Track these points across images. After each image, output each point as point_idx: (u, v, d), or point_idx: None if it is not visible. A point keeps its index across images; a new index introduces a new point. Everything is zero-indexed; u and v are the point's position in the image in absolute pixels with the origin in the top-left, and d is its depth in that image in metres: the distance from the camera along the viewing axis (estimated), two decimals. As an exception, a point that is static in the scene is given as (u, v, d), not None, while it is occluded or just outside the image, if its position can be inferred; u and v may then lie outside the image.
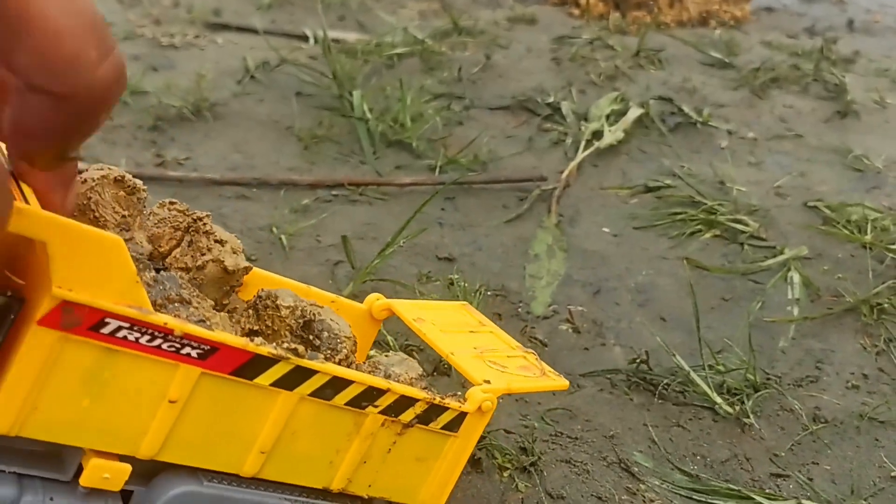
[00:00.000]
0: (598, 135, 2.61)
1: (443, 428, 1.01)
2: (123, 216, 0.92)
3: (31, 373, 0.73)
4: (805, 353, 1.78)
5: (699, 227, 2.21)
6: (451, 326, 1.19)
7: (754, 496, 1.37)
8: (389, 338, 1.62)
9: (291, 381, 0.87)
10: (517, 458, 1.40)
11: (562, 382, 1.17)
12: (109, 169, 0.94)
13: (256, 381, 0.84)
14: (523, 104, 2.79)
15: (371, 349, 1.53)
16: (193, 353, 0.79)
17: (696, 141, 2.69)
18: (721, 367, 1.65)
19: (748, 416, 1.56)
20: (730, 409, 1.56)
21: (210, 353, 0.80)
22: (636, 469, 1.42)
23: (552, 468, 1.40)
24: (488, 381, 1.06)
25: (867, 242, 2.13)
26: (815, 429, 1.56)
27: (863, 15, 4.42)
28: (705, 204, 2.27)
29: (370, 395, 0.93)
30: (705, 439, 1.51)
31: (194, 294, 0.90)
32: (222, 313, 0.95)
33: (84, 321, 0.73)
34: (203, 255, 0.98)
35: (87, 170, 0.93)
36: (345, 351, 0.98)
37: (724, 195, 2.36)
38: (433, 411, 0.99)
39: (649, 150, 2.60)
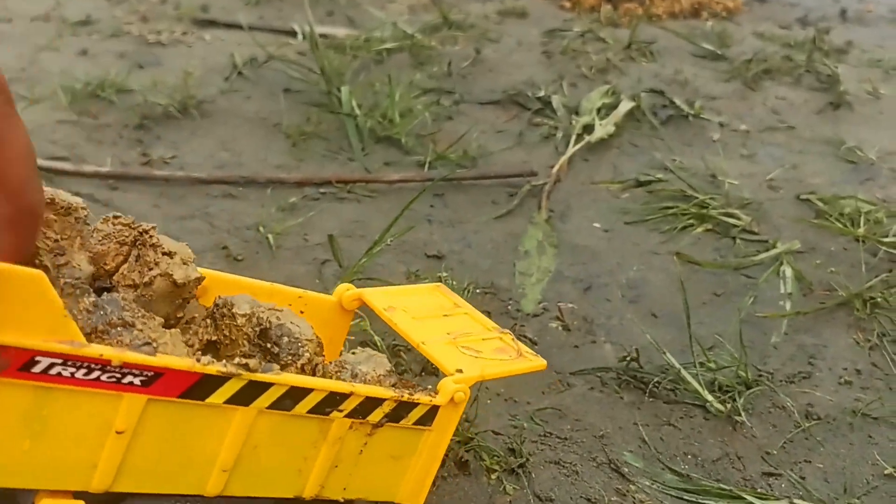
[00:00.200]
0: (588, 129, 2.59)
1: (415, 423, 0.99)
2: (57, 240, 0.89)
3: None
4: (797, 349, 1.76)
5: (691, 221, 2.19)
6: (424, 312, 1.17)
7: (746, 496, 1.36)
8: (377, 338, 1.60)
9: (246, 396, 0.85)
10: (505, 459, 1.38)
11: (539, 362, 1.14)
12: None
13: (209, 400, 0.82)
14: (513, 98, 2.77)
15: (355, 346, 1.51)
16: (136, 381, 0.77)
17: (687, 134, 2.67)
18: (712, 365, 1.63)
19: (740, 414, 1.54)
20: (721, 407, 1.55)
21: (154, 379, 0.78)
22: (626, 469, 1.40)
23: (541, 470, 1.38)
24: (461, 371, 1.03)
25: (860, 235, 2.12)
26: (807, 426, 1.54)
27: (855, 5, 4.40)
28: (697, 198, 2.25)
29: (333, 401, 0.91)
30: (696, 438, 1.50)
31: (139, 315, 0.87)
32: (174, 330, 0.92)
33: (13, 362, 0.71)
34: (150, 269, 0.95)
35: None
36: (307, 355, 0.96)
37: (716, 188, 2.34)
38: (403, 408, 0.97)
39: (640, 144, 2.58)
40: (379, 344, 1.60)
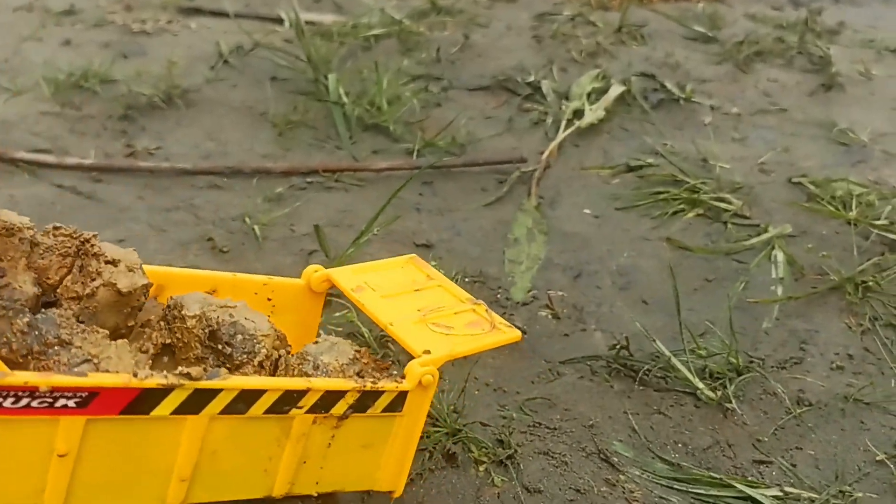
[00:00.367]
0: (579, 114, 2.56)
1: (384, 411, 0.97)
2: None
3: None
4: (789, 334, 1.75)
5: (682, 206, 2.17)
6: (395, 288, 1.14)
7: (736, 484, 1.35)
8: (364, 329, 1.59)
9: (194, 404, 0.82)
10: (493, 451, 1.36)
11: (513, 334, 1.12)
12: None
13: (154, 413, 0.80)
14: (503, 84, 2.74)
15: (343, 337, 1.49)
16: (71, 403, 0.75)
17: (678, 117, 2.65)
18: (703, 352, 1.62)
19: (730, 401, 1.53)
20: (712, 395, 1.53)
21: (90, 399, 0.76)
22: (616, 459, 1.39)
23: (529, 461, 1.37)
24: (428, 352, 1.01)
25: (852, 219, 2.10)
26: (798, 412, 1.53)
27: (848, -16, 4.36)
28: (688, 182, 2.23)
29: (290, 399, 0.88)
30: (687, 426, 1.48)
31: (77, 331, 0.85)
32: (120, 341, 0.90)
33: None
34: (93, 280, 0.92)
35: None
36: (264, 351, 0.93)
37: (708, 173, 2.32)
38: (368, 398, 0.94)
39: (631, 129, 2.55)
40: (367, 336, 1.59)
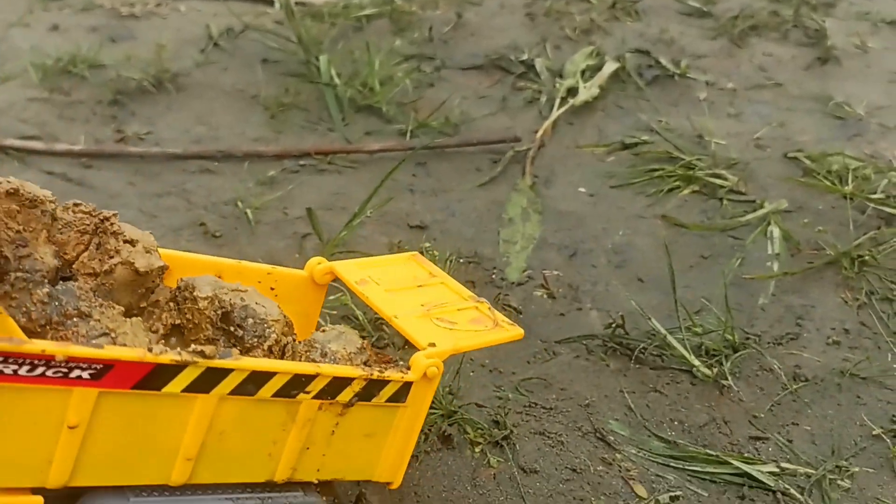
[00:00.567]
0: (573, 92, 2.54)
1: (388, 401, 0.97)
2: (18, 231, 0.86)
3: None
4: (785, 310, 1.74)
5: (677, 183, 2.16)
6: (398, 283, 1.14)
7: (732, 461, 1.34)
8: (358, 312, 1.58)
9: (205, 383, 0.82)
10: (489, 431, 1.36)
11: (516, 332, 1.12)
12: (0, 182, 0.88)
13: (165, 390, 0.80)
14: (496, 63, 2.71)
15: (337, 321, 1.49)
16: (85, 375, 0.74)
17: (673, 94, 2.63)
18: (699, 329, 1.61)
19: (726, 378, 1.52)
20: (708, 372, 1.53)
21: (104, 372, 0.75)
22: (612, 438, 1.39)
23: (525, 441, 1.36)
24: (433, 345, 1.01)
25: (848, 193, 2.09)
26: (794, 388, 1.53)
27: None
28: (683, 159, 2.22)
29: (299, 383, 0.88)
30: (683, 404, 1.48)
31: (96, 304, 0.85)
32: (135, 318, 0.90)
33: None
34: (111, 257, 0.92)
35: None
36: (274, 336, 0.93)
37: (703, 149, 2.30)
38: (373, 386, 0.94)
39: (626, 106, 2.53)
40: (360, 318, 1.58)
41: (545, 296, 1.75)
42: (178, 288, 0.98)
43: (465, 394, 1.45)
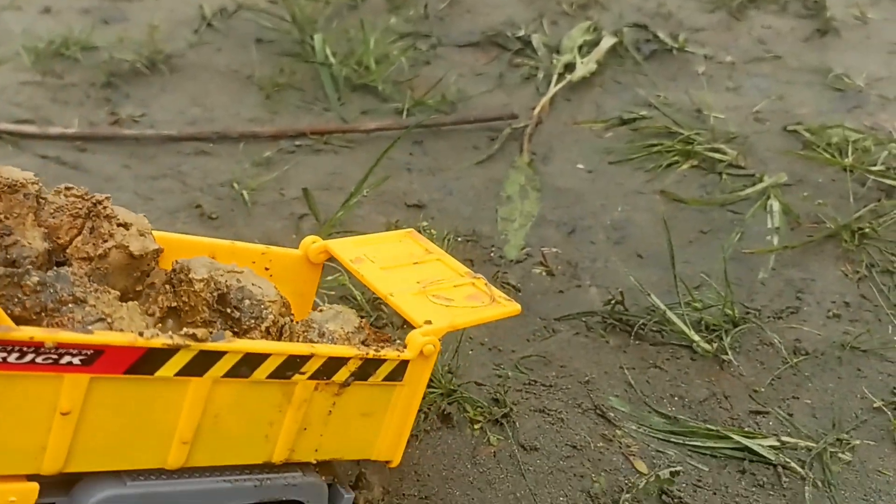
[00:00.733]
0: (570, 67, 2.52)
1: (385, 379, 0.96)
2: (1, 220, 0.85)
3: None
4: (785, 284, 1.73)
5: (676, 158, 2.14)
6: (394, 261, 1.13)
7: (733, 435, 1.34)
8: (356, 292, 1.57)
9: (198, 366, 0.81)
10: (489, 410, 1.36)
11: (513, 307, 1.11)
12: None
13: (158, 374, 0.79)
14: (493, 39, 2.69)
15: (334, 300, 1.48)
16: (76, 361, 0.74)
17: (672, 68, 2.60)
18: (698, 304, 1.60)
19: (726, 353, 1.52)
20: (708, 347, 1.53)
21: (95, 357, 0.75)
22: (612, 414, 1.39)
23: (525, 419, 1.36)
24: (429, 322, 1.00)
25: (848, 165, 2.07)
26: (795, 362, 1.52)
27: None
28: (682, 134, 2.20)
29: (293, 364, 0.87)
30: (683, 379, 1.48)
31: (91, 290, 0.84)
32: (130, 303, 0.89)
33: None
34: (105, 241, 0.91)
35: None
36: (271, 317, 0.92)
37: (702, 123, 2.29)
38: (370, 365, 0.94)
39: (624, 81, 2.51)
40: (359, 298, 1.57)
41: (544, 273, 1.74)
42: (174, 270, 0.97)
43: (465, 372, 1.44)
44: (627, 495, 1.23)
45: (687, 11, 3.00)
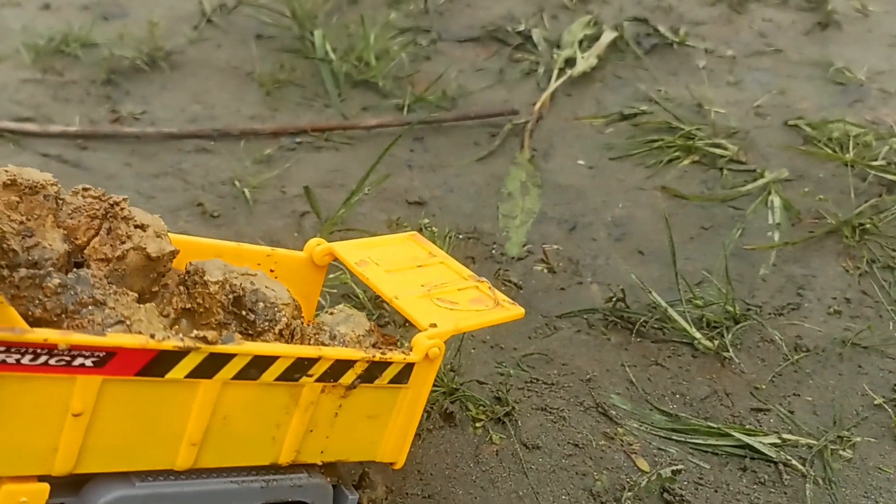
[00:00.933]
0: (570, 62, 2.51)
1: (391, 382, 0.97)
2: (22, 222, 0.86)
3: None
4: (786, 280, 1.74)
5: (677, 153, 2.14)
6: (398, 264, 1.14)
7: (734, 433, 1.35)
8: (359, 291, 1.58)
9: (208, 368, 0.82)
10: (491, 408, 1.36)
11: (517, 311, 1.12)
12: None
13: (169, 376, 0.80)
14: (493, 34, 2.68)
15: (338, 299, 1.48)
16: (88, 363, 0.74)
17: (672, 62, 2.60)
18: (699, 301, 1.61)
19: (728, 350, 1.52)
20: (709, 344, 1.53)
21: (107, 359, 0.75)
22: (614, 412, 1.39)
23: (527, 417, 1.37)
24: (435, 325, 1.01)
25: (849, 160, 2.07)
26: (796, 359, 1.53)
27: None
28: (683, 129, 2.20)
29: (301, 367, 0.88)
30: (684, 377, 1.48)
31: (111, 292, 0.85)
32: (149, 305, 0.90)
33: None
34: (123, 243, 0.92)
35: None
36: (284, 319, 0.93)
37: (703, 118, 2.29)
38: (376, 368, 0.95)
39: (624, 76, 2.51)
40: (361, 297, 1.58)
41: (545, 270, 1.74)
42: (188, 272, 0.98)
43: (467, 371, 1.45)
44: (629, 493, 1.24)
45: (687, 5, 2.99)
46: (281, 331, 0.99)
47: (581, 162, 2.13)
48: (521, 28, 2.70)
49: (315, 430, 0.94)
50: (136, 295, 0.92)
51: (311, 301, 1.21)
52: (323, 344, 1.00)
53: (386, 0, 2.87)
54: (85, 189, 0.99)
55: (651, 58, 2.61)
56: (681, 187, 2.03)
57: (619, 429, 1.36)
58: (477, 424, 1.34)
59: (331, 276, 1.62)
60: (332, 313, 1.08)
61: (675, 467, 1.29)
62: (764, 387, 1.47)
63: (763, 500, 1.26)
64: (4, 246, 0.84)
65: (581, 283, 1.71)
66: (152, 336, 0.78)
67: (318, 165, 2.03)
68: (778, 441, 1.34)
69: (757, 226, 1.90)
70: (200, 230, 1.76)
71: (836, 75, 2.54)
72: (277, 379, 0.87)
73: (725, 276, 1.64)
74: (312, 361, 0.89)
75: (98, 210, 0.96)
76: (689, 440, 1.35)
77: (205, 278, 0.99)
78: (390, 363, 0.95)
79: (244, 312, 0.98)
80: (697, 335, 1.54)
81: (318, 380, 0.90)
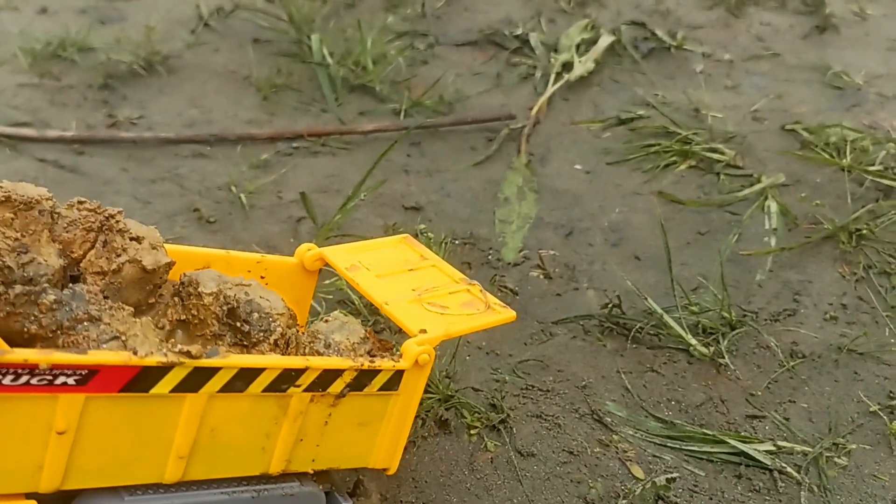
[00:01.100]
0: (568, 66, 2.51)
1: (380, 389, 0.97)
2: (17, 239, 0.86)
3: None
4: (782, 286, 1.74)
5: (674, 158, 2.14)
6: (389, 268, 1.14)
7: (729, 440, 1.35)
8: (354, 297, 1.57)
9: (193, 382, 0.82)
10: (486, 415, 1.36)
11: (508, 314, 1.12)
12: None
13: (153, 391, 0.79)
14: (490, 38, 2.68)
15: (333, 305, 1.48)
16: (70, 381, 0.74)
17: (670, 67, 2.60)
18: (695, 308, 1.61)
19: (723, 357, 1.52)
20: (705, 351, 1.53)
21: (90, 377, 0.75)
22: (609, 419, 1.39)
23: (522, 424, 1.36)
24: (424, 331, 1.01)
25: (846, 165, 2.07)
26: (792, 365, 1.53)
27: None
28: (680, 134, 2.20)
29: (288, 377, 0.88)
30: (680, 383, 1.48)
31: (106, 307, 0.85)
32: (145, 319, 0.90)
33: None
34: (118, 256, 0.92)
35: None
36: (279, 329, 0.93)
37: (700, 123, 2.29)
38: (365, 376, 0.94)
39: (622, 80, 2.51)
40: (356, 303, 1.58)
41: (541, 276, 1.74)
42: (182, 283, 0.98)
43: (462, 377, 1.45)
44: (624, 501, 1.24)
45: (685, 8, 3.00)
46: (276, 341, 0.99)
47: (578, 167, 2.13)
48: (519, 32, 2.70)
49: (305, 439, 0.94)
50: (133, 309, 0.92)
51: (303, 307, 1.21)
52: (318, 352, 1.00)
53: (383, 4, 2.87)
54: (80, 202, 0.99)
55: (648, 62, 2.61)
56: (677, 192, 2.03)
57: (614, 436, 1.36)
58: (472, 431, 1.34)
59: (326, 282, 1.62)
60: (326, 321, 1.08)
61: (669, 475, 1.29)
62: (759, 393, 1.46)
63: (758, 508, 1.26)
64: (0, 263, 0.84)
65: (577, 289, 1.71)
66: (135, 352, 0.78)
67: (315, 170, 2.03)
68: (773, 448, 1.34)
69: (753, 231, 1.90)
70: (197, 236, 1.76)
71: (834, 79, 2.54)
72: (265, 390, 0.87)
73: (721, 281, 1.64)
74: (300, 372, 0.89)
75: (93, 223, 0.96)
76: (684, 447, 1.35)
77: (199, 290, 0.99)
78: (379, 371, 0.95)
79: (238, 324, 0.98)
80: (693, 341, 1.54)
81: (306, 390, 0.90)
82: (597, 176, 2.10)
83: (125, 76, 2.33)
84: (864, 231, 1.85)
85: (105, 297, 0.91)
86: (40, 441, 0.77)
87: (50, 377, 0.74)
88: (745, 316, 1.63)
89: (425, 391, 1.38)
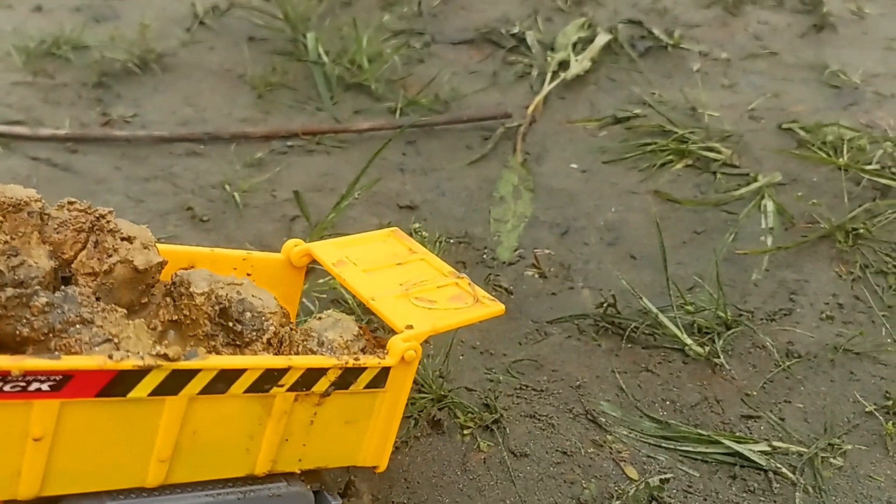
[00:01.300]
0: (564, 65, 2.50)
1: (367, 387, 0.96)
2: (7, 241, 0.85)
3: None
4: (778, 285, 1.73)
5: (670, 157, 2.13)
6: (377, 262, 1.12)
7: (724, 440, 1.34)
8: (348, 296, 1.56)
9: (172, 385, 0.81)
10: (479, 415, 1.35)
11: (496, 308, 1.11)
12: None
13: (131, 395, 0.78)
14: (487, 37, 2.67)
15: (327, 304, 1.47)
16: (45, 387, 0.73)
17: (667, 65, 2.59)
18: (691, 307, 1.60)
19: (719, 356, 1.51)
20: (700, 350, 1.52)
21: (64, 382, 0.74)
22: (603, 419, 1.38)
23: (516, 424, 1.36)
24: (411, 327, 0.99)
25: (843, 164, 2.06)
26: (787, 365, 1.52)
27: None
28: (676, 132, 2.19)
29: (271, 378, 0.87)
30: (675, 383, 1.47)
31: (98, 309, 0.84)
32: (137, 321, 0.89)
33: None
34: (110, 256, 0.91)
35: None
36: (272, 328, 0.92)
37: (696, 122, 2.28)
38: (350, 374, 0.93)
39: (618, 78, 2.50)
40: (350, 301, 1.57)
41: (536, 275, 1.73)
42: (173, 283, 0.97)
43: (456, 377, 1.44)
44: (617, 502, 1.23)
45: (682, 7, 2.98)
46: (269, 340, 0.98)
47: (574, 165, 2.12)
48: (515, 30, 2.69)
49: (291, 438, 0.93)
50: (125, 311, 0.91)
51: (292, 303, 1.19)
52: (311, 350, 0.99)
53: (379, 2, 2.86)
54: (70, 202, 0.98)
55: (645, 60, 2.60)
56: (674, 191, 2.02)
57: (608, 436, 1.35)
58: (465, 432, 1.33)
59: (320, 281, 1.61)
60: (320, 318, 1.06)
61: (663, 475, 1.28)
62: (755, 393, 1.46)
63: (753, 509, 1.25)
64: None
65: (572, 289, 1.70)
66: (110, 356, 0.77)
67: (310, 169, 2.02)
68: (768, 449, 1.33)
69: (750, 230, 1.89)
70: (190, 235, 1.75)
71: (831, 78, 2.53)
72: (247, 391, 0.86)
73: (717, 281, 1.63)
74: (282, 372, 0.88)
75: (84, 223, 0.95)
76: (678, 448, 1.34)
77: (191, 290, 0.98)
78: (365, 368, 0.94)
79: (231, 324, 0.97)
80: (688, 341, 1.53)
81: (289, 389, 0.89)
82: (593, 175, 2.09)
83: (119, 74, 2.32)
84: (861, 230, 1.84)
85: (97, 299, 0.91)
86: (17, 448, 0.76)
87: (23, 384, 0.73)
88: (740, 315, 1.62)
89: (419, 391, 1.37)
